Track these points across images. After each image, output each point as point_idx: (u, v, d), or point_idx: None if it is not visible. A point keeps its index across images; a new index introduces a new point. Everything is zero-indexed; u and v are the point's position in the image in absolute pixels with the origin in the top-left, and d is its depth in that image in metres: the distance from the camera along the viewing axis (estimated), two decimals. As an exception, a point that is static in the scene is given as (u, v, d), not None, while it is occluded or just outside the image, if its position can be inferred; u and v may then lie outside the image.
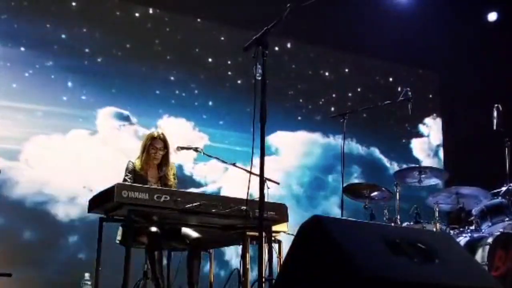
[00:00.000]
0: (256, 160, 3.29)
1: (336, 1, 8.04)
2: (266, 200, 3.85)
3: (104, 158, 6.68)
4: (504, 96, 6.77)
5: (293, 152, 8.07)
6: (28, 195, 6.32)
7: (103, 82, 7.01)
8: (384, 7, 8.30)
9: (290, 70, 8.32)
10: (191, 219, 4.30)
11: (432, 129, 9.25)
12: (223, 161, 5.35)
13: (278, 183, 5.17)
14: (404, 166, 7.70)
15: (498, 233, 5.03)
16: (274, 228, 4.58)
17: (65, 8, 7.01)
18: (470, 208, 5.68)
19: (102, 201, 4.02)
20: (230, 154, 6.58)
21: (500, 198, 5.38)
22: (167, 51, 7.55)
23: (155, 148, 4.75)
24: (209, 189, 7.28)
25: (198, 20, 7.82)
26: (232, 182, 7.15)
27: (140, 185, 4.07)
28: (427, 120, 9.22)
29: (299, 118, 8.21)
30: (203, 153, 5.26)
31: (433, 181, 6.00)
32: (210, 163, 7.20)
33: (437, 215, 5.63)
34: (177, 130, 7.20)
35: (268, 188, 4.87)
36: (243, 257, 4.50)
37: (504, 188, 5.41)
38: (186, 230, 4.58)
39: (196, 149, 5.24)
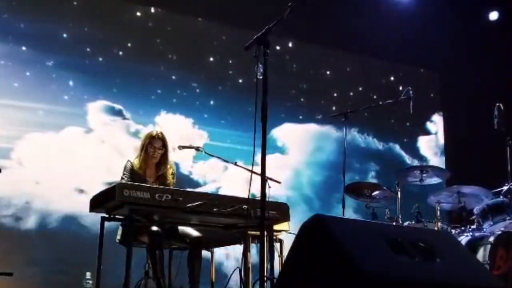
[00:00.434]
0: (258, 157, 3.30)
1: (337, 1, 8.06)
2: (267, 199, 3.85)
3: (104, 158, 6.69)
4: (506, 95, 6.77)
5: (301, 147, 7.99)
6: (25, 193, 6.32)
7: (104, 81, 7.01)
8: (385, 7, 8.31)
9: (291, 69, 8.32)
10: (193, 218, 4.29)
11: (438, 127, 9.28)
12: (225, 160, 5.35)
13: (279, 182, 5.18)
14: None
15: (500, 232, 5.03)
16: (276, 227, 4.59)
17: (66, 8, 7.01)
18: (471, 207, 5.68)
19: (104, 201, 4.02)
20: (231, 153, 6.58)
21: (501, 197, 5.38)
22: (168, 51, 7.55)
23: (154, 147, 4.75)
24: (209, 188, 7.28)
25: (199, 19, 7.82)
26: (231, 181, 7.14)
27: (142, 184, 4.06)
28: (435, 117, 9.25)
29: (300, 117, 8.21)
30: (205, 152, 5.26)
31: (435, 180, 5.99)
32: (210, 162, 7.20)
33: (438, 214, 5.64)
34: (178, 129, 7.20)
35: (270, 187, 4.88)
36: (244, 256, 4.50)
37: (505, 187, 5.42)
38: (186, 229, 4.58)
39: (197, 148, 5.25)
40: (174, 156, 5.18)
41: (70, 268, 6.13)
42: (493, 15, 8.51)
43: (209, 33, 7.85)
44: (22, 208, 6.27)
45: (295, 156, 7.99)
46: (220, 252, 6.81)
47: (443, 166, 8.43)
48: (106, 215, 4.16)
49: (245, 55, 3.51)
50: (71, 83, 6.83)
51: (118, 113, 7.00)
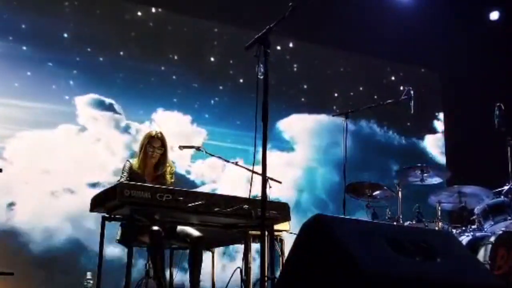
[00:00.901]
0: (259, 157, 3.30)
1: (338, 1, 8.05)
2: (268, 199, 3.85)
3: (104, 157, 6.69)
4: (506, 95, 6.76)
5: (311, 142, 7.92)
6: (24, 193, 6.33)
7: (105, 81, 7.01)
8: (385, 7, 8.31)
9: (292, 69, 8.32)
10: (193, 218, 4.29)
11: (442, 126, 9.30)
12: (226, 160, 5.35)
13: (280, 182, 5.17)
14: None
15: (501, 232, 5.02)
16: (277, 227, 4.58)
17: (67, 7, 7.01)
18: (472, 207, 5.68)
19: (104, 200, 4.02)
20: (231, 153, 6.58)
21: (502, 197, 5.37)
22: (169, 50, 7.55)
23: (153, 147, 4.74)
24: (207, 187, 7.27)
25: (200, 19, 7.81)
26: (230, 180, 7.14)
27: (143, 184, 4.06)
28: (441, 116, 9.24)
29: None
30: (205, 152, 5.26)
31: (435, 180, 5.99)
32: (208, 161, 7.20)
33: (439, 214, 5.63)
34: (178, 128, 7.20)
35: (270, 187, 4.87)
36: (245, 256, 4.50)
37: (506, 187, 5.41)
38: (187, 229, 4.58)
39: (198, 148, 5.24)
40: (172, 155, 5.17)
41: (71, 268, 6.14)
42: (494, 15, 8.51)
43: (210, 33, 7.85)
44: (22, 208, 6.28)
45: (303, 153, 7.90)
46: (220, 252, 6.81)
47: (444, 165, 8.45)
48: (107, 215, 4.16)
49: (246, 55, 3.51)
50: (71, 82, 6.83)
51: (118, 113, 7.00)
